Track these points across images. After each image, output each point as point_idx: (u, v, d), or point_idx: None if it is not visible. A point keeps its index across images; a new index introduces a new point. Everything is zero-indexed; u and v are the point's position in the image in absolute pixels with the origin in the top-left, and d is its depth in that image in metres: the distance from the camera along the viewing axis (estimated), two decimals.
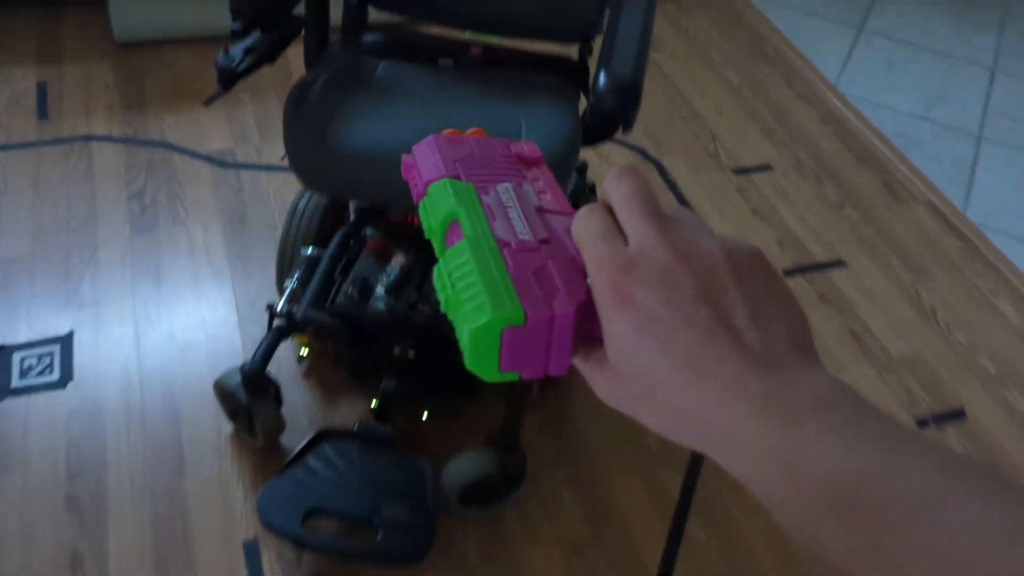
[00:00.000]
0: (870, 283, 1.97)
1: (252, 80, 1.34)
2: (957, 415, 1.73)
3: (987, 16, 2.93)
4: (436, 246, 0.39)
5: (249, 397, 1.45)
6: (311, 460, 1.44)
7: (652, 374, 0.31)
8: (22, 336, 1.66)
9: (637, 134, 2.28)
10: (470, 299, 0.34)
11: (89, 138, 2.11)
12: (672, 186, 2.16)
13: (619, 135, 1.28)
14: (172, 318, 1.73)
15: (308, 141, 1.31)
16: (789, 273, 1.98)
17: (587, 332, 0.34)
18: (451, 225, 0.39)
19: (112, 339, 1.67)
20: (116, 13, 2.37)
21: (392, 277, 1.53)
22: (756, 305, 0.31)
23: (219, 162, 2.09)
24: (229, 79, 1.27)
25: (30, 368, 1.62)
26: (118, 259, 1.83)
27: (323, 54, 1.53)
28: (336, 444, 1.47)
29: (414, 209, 0.43)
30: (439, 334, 1.45)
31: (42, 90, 2.23)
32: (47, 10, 2.47)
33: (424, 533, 1.39)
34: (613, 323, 0.32)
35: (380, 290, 1.51)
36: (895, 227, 2.12)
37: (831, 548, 0.28)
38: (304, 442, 1.45)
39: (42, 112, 2.17)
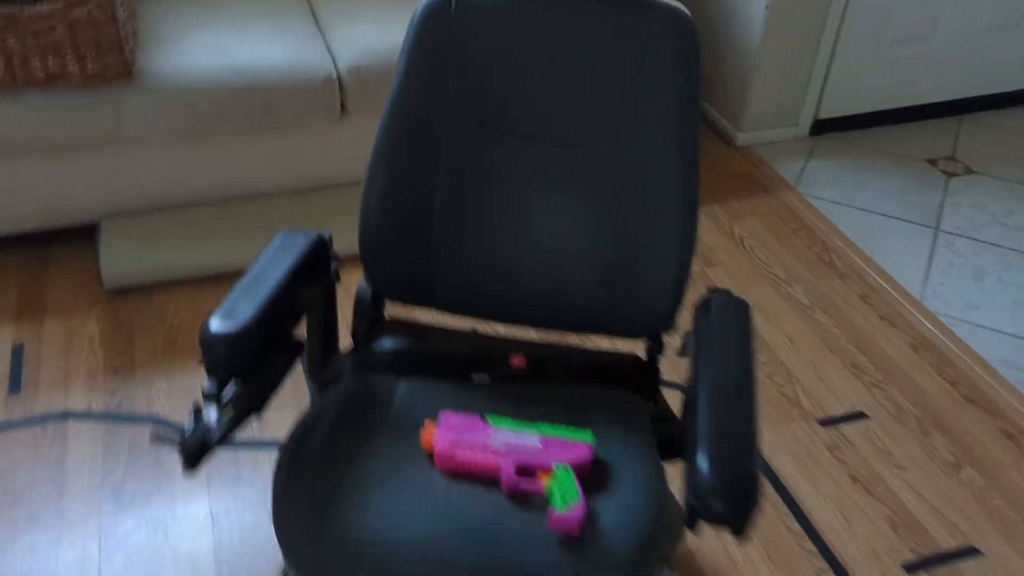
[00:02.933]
0: None
1: None
2: None
3: None
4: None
5: None
6: None
7: None
8: None
9: None
10: None
11: (66, 415, 1.81)
12: None
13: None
14: None
15: (306, 532, 0.98)
16: (911, 569, 1.59)
17: None
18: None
19: None
20: (106, 256, 2.12)
21: None
22: None
23: None
24: (198, 454, 0.95)
25: None
26: None
27: (328, 366, 1.23)
28: None
29: None
30: None
31: (17, 356, 1.95)
32: (32, 256, 2.24)
33: None
34: None
35: None
36: None
37: None
38: None
39: (15, 384, 1.88)
